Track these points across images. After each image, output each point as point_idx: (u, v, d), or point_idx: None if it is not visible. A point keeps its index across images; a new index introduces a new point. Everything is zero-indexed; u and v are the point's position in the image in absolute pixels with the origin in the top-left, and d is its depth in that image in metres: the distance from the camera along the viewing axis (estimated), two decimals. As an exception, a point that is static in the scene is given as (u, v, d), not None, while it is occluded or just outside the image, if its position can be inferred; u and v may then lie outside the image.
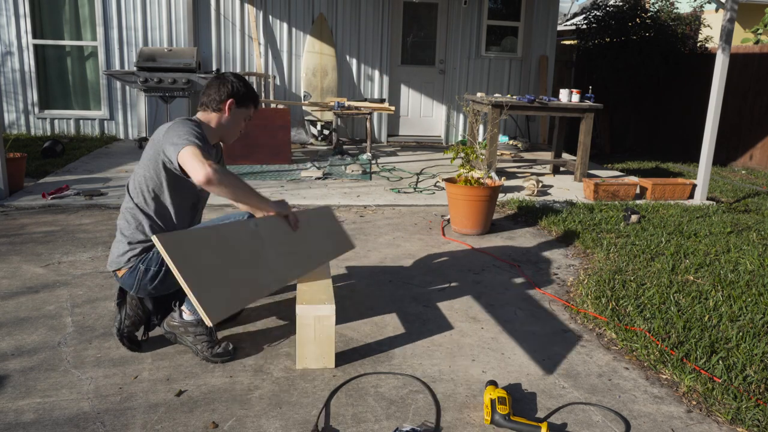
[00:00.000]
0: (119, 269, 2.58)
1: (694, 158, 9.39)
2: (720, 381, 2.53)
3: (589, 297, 3.42)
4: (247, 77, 7.84)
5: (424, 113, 9.50)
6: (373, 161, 7.56)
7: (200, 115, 2.69)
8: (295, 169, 6.79)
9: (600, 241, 4.49)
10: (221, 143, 2.85)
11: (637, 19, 10.08)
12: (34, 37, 8.13)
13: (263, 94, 7.98)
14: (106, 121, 8.47)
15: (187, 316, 2.63)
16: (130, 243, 2.57)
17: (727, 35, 5.68)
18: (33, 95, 8.24)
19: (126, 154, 7.29)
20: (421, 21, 9.22)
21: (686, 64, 10.09)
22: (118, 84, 8.32)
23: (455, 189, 4.59)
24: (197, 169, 2.33)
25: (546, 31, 9.53)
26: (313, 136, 8.66)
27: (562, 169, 7.42)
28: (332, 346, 2.57)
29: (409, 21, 9.17)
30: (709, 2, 10.20)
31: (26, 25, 8.04)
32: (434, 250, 4.27)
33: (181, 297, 2.68)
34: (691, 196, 6.11)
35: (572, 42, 11.97)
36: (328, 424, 2.20)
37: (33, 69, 8.15)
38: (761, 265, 4.03)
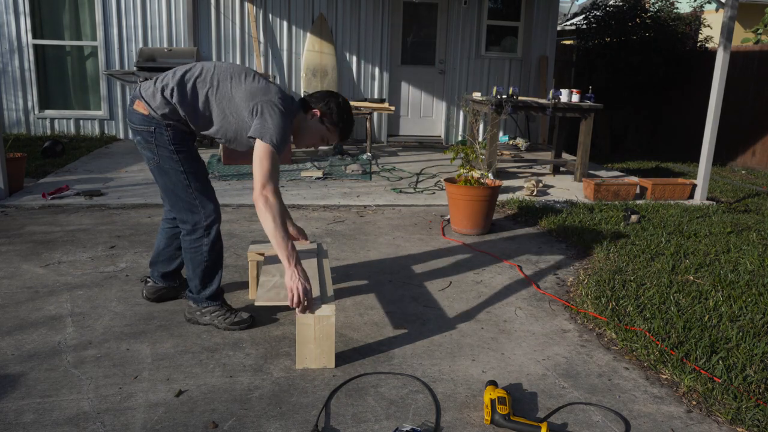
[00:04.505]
0: None
1: (694, 158, 9.38)
2: (720, 381, 2.53)
3: (589, 297, 3.42)
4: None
5: (424, 113, 9.50)
6: (373, 161, 7.56)
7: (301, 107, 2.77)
8: (295, 168, 6.79)
9: (600, 241, 4.49)
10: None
11: (637, 19, 10.08)
12: (35, 36, 8.13)
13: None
14: (106, 121, 8.47)
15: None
16: None
17: (728, 33, 5.67)
18: (33, 95, 8.24)
19: (126, 154, 7.29)
20: (421, 21, 9.21)
21: (686, 63, 10.09)
22: (118, 84, 8.32)
23: (455, 189, 4.59)
24: (258, 179, 2.48)
25: (546, 31, 9.53)
26: (313, 136, 8.65)
27: (562, 169, 7.41)
28: (332, 346, 2.57)
29: (409, 21, 9.16)
30: (709, 2, 10.20)
31: (26, 24, 8.04)
32: (434, 250, 4.27)
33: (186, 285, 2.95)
34: (691, 196, 6.11)
35: (572, 42, 11.97)
36: (328, 424, 2.20)
37: (33, 69, 8.15)
38: (761, 265, 4.03)
